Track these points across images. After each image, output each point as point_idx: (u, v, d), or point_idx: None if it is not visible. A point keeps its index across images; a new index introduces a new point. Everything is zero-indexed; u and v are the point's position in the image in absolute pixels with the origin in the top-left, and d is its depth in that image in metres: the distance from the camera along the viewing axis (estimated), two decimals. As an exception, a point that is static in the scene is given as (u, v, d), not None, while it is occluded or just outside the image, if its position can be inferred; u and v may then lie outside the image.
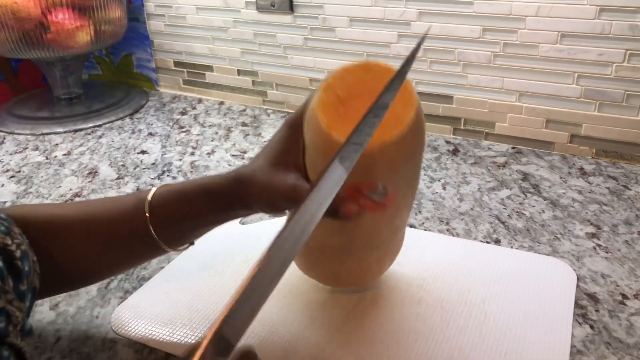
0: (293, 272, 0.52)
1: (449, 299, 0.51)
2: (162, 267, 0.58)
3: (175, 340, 0.47)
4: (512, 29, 0.78)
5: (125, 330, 0.49)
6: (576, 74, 0.76)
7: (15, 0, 0.86)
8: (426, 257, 0.57)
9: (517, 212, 0.66)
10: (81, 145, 0.91)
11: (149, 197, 0.45)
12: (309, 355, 0.45)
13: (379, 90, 0.35)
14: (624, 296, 0.52)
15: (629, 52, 0.72)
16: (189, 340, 0.47)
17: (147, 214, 0.44)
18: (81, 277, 0.47)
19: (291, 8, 0.92)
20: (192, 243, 0.48)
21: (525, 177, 0.75)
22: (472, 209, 0.67)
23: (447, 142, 0.86)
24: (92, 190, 0.75)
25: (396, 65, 0.36)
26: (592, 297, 0.52)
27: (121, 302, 0.53)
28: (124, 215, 0.45)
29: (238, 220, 0.63)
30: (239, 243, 0.61)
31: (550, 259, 0.57)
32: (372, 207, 0.39)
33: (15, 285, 0.38)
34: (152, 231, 0.44)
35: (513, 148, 0.83)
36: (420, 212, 0.67)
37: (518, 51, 0.79)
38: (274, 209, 0.43)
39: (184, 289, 0.54)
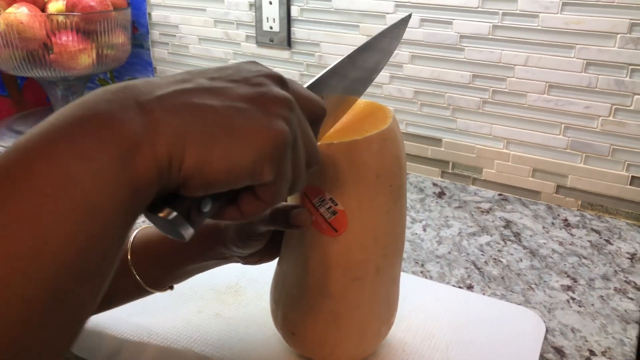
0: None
1: (412, 342, 0.50)
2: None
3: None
4: (502, 76, 0.79)
5: (87, 354, 0.48)
6: (563, 125, 0.77)
7: (22, 20, 0.89)
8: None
9: (495, 259, 0.66)
10: (73, 164, 0.91)
11: (131, 237, 0.45)
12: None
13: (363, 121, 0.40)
14: (592, 352, 0.50)
15: (614, 106, 0.73)
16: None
17: (129, 255, 0.44)
18: None
19: (289, 44, 0.94)
20: (171, 287, 0.47)
21: (508, 224, 0.74)
22: (449, 252, 0.67)
23: (434, 185, 0.86)
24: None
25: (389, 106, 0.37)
26: (559, 351, 0.50)
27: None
28: None
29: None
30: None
31: (521, 309, 0.56)
32: (319, 223, 0.39)
33: None
34: (134, 271, 0.44)
35: (500, 195, 0.83)
36: (396, 252, 0.66)
37: (506, 99, 0.79)
38: (246, 233, 0.42)
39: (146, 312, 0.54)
